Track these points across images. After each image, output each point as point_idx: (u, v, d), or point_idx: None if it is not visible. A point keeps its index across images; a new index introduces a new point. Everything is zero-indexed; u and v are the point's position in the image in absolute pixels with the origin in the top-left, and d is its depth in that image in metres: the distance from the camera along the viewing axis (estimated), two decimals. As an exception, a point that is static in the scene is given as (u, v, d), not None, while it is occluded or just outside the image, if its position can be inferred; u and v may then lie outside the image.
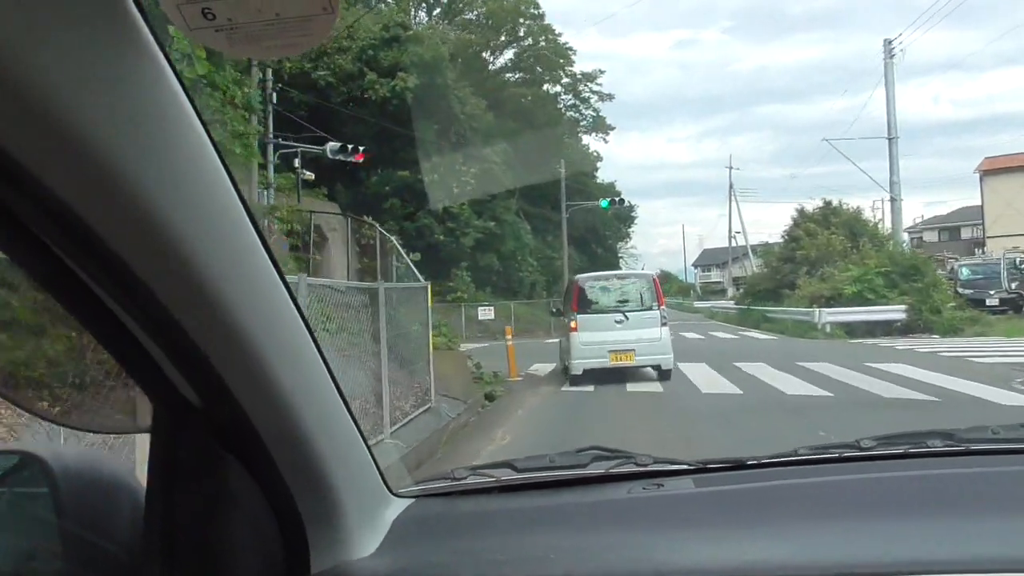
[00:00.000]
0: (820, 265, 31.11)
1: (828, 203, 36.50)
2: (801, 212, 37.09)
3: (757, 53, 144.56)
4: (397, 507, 1.23)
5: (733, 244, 78.36)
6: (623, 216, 57.05)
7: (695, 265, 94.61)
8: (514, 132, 39.40)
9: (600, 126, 51.18)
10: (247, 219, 0.76)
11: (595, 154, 55.75)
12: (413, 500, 1.28)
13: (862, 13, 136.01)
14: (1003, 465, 1.30)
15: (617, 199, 40.52)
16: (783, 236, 37.69)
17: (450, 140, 31.23)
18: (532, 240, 39.18)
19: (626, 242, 68.22)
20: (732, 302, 54.30)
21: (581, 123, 51.09)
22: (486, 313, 28.20)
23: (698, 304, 64.44)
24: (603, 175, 60.02)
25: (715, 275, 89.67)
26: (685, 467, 1.36)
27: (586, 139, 54.10)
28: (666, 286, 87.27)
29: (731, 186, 72.87)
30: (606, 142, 46.23)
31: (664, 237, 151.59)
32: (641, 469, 1.37)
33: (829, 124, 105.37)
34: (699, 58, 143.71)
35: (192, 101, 0.66)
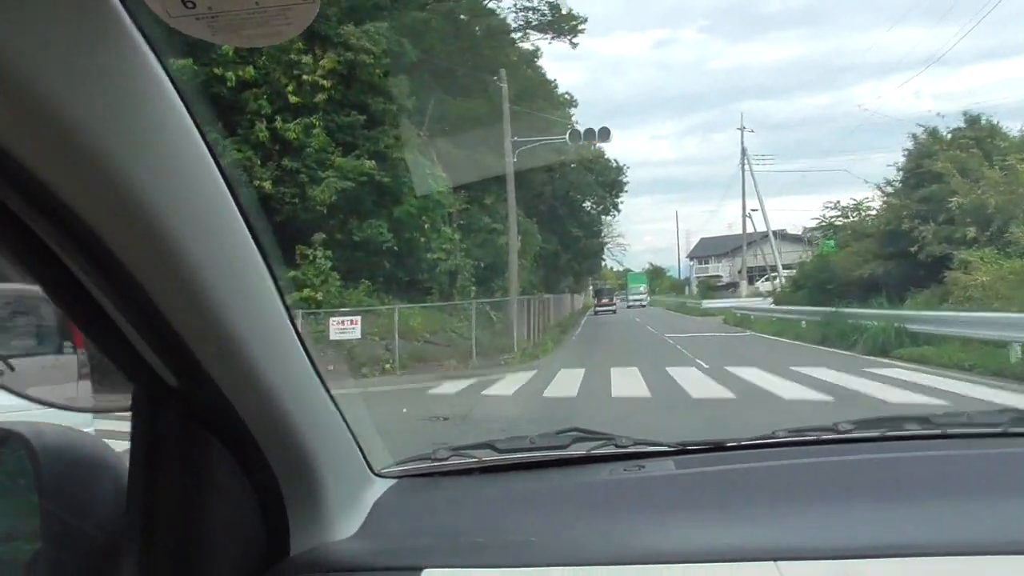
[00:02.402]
0: (1006, 221, 18.21)
1: (974, 119, 23.15)
2: (931, 134, 23.85)
3: (735, 51, 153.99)
4: (378, 488, 1.27)
5: (734, 231, 65.00)
6: (609, 180, 34.02)
7: (690, 257, 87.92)
8: (416, 23, 25.49)
9: (564, 23, 33.34)
10: (233, 203, 0.80)
11: (568, 97, 40.01)
12: (394, 481, 1.32)
13: (838, 10, 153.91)
14: (978, 448, 1.37)
15: (596, 131, 24.87)
16: (895, 180, 24.43)
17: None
18: (454, 200, 25.08)
19: (613, 216, 52.91)
20: (766, 300, 40.27)
21: (531, 17, 33.22)
22: (345, 328, 16.74)
23: (708, 304, 53.86)
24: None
25: (714, 268, 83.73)
26: (665, 449, 1.42)
27: (548, 55, 27.32)
28: (657, 282, 73.72)
29: (744, 151, 60.11)
30: (574, 45, 22.36)
31: (649, 234, 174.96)
32: (621, 451, 1.41)
33: (809, 120, 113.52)
34: (678, 57, 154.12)
35: (177, 87, 0.70)
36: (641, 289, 77.02)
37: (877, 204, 26.03)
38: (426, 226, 21.90)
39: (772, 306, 32.61)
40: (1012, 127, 22.80)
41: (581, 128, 23.95)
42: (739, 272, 64.93)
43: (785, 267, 51.93)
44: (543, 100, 30.53)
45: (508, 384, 13.44)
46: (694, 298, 65.57)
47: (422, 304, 20.67)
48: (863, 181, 56.77)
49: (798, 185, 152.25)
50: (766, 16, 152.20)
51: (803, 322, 23.52)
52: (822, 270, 28.14)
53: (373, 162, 20.15)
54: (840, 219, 28.44)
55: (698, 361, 15.77)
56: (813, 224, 33.07)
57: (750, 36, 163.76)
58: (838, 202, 28.44)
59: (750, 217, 56.62)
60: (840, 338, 18.31)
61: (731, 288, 66.41)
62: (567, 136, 23.32)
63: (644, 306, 70.70)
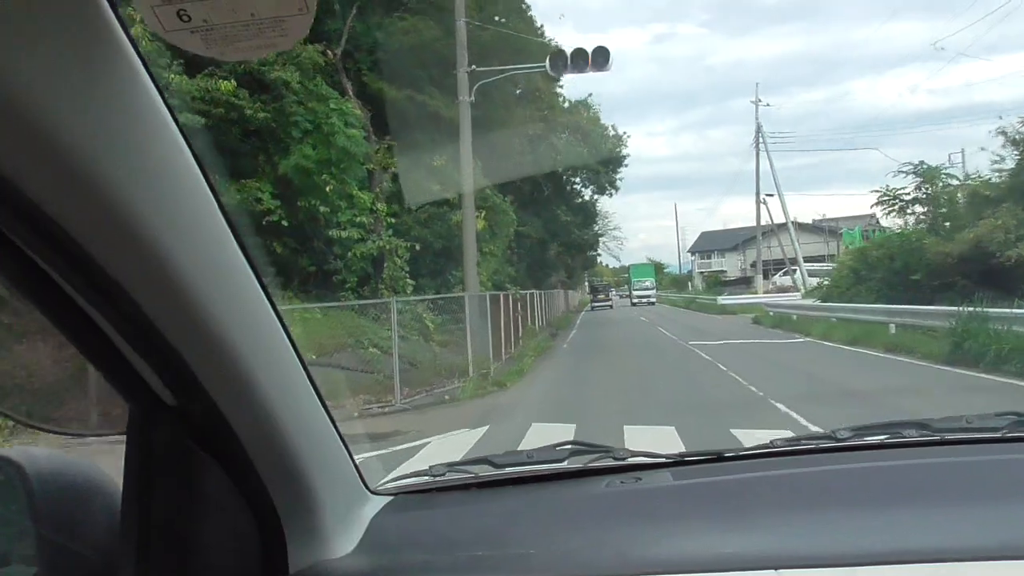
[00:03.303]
0: None
1: None
2: None
3: (733, 46, 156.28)
4: (375, 505, 1.30)
5: (730, 227, 67.79)
6: (606, 152, 23.33)
7: (692, 252, 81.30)
8: None
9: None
10: (223, 219, 0.86)
11: (556, 46, 24.68)
12: (391, 498, 1.35)
13: (836, 4, 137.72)
14: (977, 455, 1.42)
15: (589, 53, 15.13)
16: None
17: None
18: (381, 153, 17.46)
19: (610, 195, 42.70)
20: (796, 296, 34.56)
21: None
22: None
23: (726, 300, 46.96)
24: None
25: (717, 263, 75.67)
26: (663, 460, 1.45)
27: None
28: (657, 278, 65.57)
29: (759, 128, 50.57)
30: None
31: (644, 232, 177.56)
32: (619, 463, 1.43)
33: (806, 116, 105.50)
34: (676, 52, 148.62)
35: (167, 102, 0.76)
36: (647, 284, 70.09)
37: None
38: (328, 188, 13.90)
39: (818, 303, 27.65)
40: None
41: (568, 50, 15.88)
42: (751, 265, 62.19)
43: (806, 259, 48.12)
44: (517, 19, 22.51)
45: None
46: (705, 293, 63.59)
47: (318, 305, 12.55)
48: (895, 162, 49.87)
49: (796, 181, 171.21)
50: (765, 9, 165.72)
51: (891, 326, 18.88)
52: (893, 257, 21.91)
53: (234, 84, 12.03)
54: (917, 190, 20.81)
55: (781, 407, 9.98)
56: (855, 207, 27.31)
57: (749, 30, 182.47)
58: (920, 163, 21.05)
59: (764, 203, 49.91)
60: (1016, 356, 12.82)
61: (744, 283, 67.03)
62: (547, 63, 15.51)
63: (652, 303, 65.19)
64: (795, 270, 49.69)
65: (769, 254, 58.39)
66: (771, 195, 52.00)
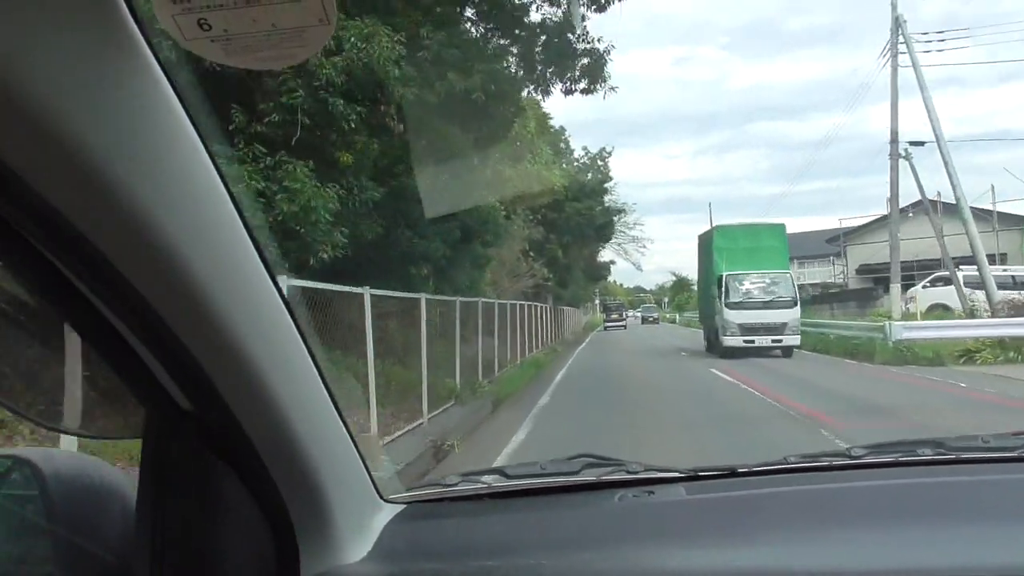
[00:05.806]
0: None
1: None
2: None
3: (754, 70, 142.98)
4: (388, 513, 1.37)
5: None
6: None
7: None
8: None
9: None
10: (241, 224, 0.91)
11: None
12: (404, 506, 1.41)
13: (857, 30, 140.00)
14: (992, 474, 1.48)
15: None
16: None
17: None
18: None
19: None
20: None
21: None
22: None
23: (910, 332, 21.63)
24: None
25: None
26: (676, 475, 1.51)
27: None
28: (683, 296, 65.34)
29: (897, 23, 27.50)
30: None
31: (659, 254, 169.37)
32: (632, 476, 1.49)
33: (825, 141, 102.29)
34: (696, 75, 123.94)
35: (186, 106, 0.80)
36: (779, 285, 24.97)
37: None
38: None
39: None
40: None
41: None
42: (857, 271, 43.52)
43: (960, 262, 28.39)
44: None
45: None
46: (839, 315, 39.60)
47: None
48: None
49: (810, 207, 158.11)
50: (786, 34, 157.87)
51: None
52: None
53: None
54: None
55: None
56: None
57: (770, 54, 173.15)
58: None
59: (907, 156, 27.82)
60: None
61: (853, 299, 41.09)
62: None
63: (792, 345, 24.49)
64: (963, 272, 26.95)
65: (863, 255, 41.81)
66: (919, 143, 27.00)
